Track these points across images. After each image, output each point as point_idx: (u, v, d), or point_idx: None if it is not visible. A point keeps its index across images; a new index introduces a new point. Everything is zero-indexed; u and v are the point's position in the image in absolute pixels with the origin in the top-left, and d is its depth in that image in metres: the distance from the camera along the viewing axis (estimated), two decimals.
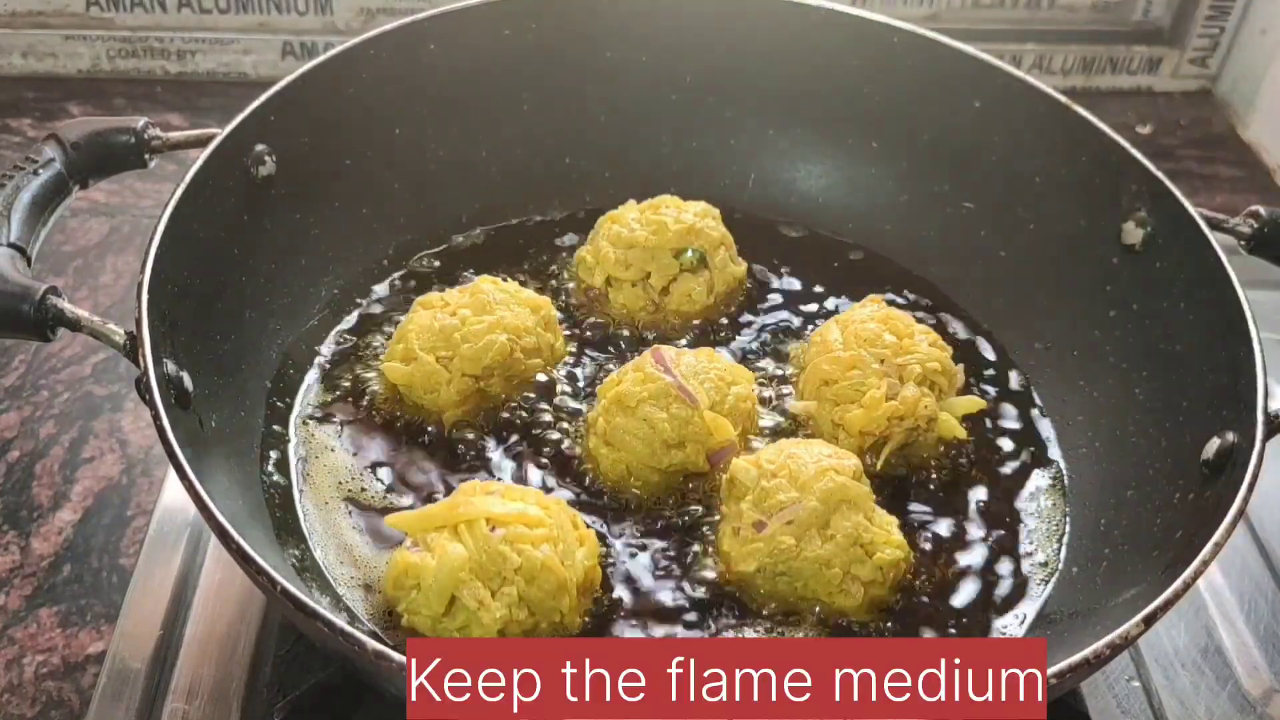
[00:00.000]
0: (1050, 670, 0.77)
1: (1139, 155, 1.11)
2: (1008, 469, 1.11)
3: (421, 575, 0.91)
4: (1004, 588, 1.02)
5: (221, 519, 0.82)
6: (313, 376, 1.15)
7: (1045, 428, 1.15)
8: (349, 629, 0.77)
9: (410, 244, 1.28)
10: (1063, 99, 1.17)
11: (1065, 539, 1.05)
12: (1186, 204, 1.06)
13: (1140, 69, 1.81)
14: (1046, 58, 1.78)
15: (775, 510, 0.97)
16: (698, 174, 1.34)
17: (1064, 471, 1.11)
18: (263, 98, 1.13)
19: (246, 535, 0.83)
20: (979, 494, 1.09)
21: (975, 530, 1.06)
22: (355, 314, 1.22)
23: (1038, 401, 1.17)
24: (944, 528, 1.06)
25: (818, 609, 0.97)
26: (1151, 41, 1.80)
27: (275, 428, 1.10)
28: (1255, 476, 0.86)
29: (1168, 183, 1.08)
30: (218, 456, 0.98)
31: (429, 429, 1.10)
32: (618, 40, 1.31)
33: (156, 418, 0.87)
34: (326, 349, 1.18)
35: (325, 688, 0.96)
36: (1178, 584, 0.81)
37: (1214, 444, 0.94)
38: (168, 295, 0.97)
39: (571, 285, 1.25)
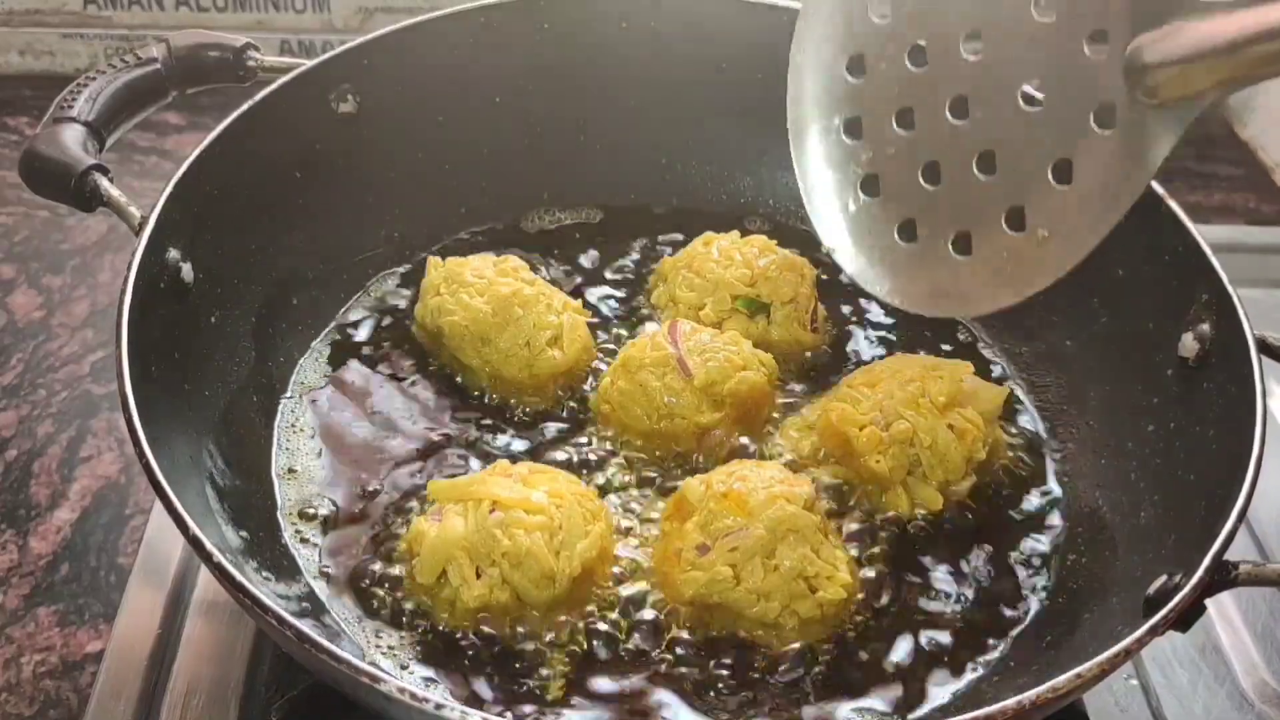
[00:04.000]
0: (1059, 679, 0.78)
1: (1217, 265, 1.04)
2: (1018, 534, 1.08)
3: (422, 544, 0.94)
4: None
5: (161, 478, 0.84)
6: (337, 311, 1.21)
7: (1053, 518, 1.10)
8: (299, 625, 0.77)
9: (480, 210, 1.30)
10: (1159, 189, 1.11)
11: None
12: (1246, 327, 1.00)
13: None
14: None
15: (721, 535, 0.95)
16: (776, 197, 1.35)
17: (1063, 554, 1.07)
18: (360, 40, 1.18)
19: (188, 503, 0.84)
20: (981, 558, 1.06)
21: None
22: (402, 267, 1.26)
23: (1051, 487, 1.12)
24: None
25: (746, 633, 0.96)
26: None
27: (280, 365, 1.14)
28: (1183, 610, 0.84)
29: (1235, 299, 1.01)
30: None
31: (458, 384, 1.14)
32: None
33: (119, 319, 0.91)
34: (363, 293, 1.23)
35: (323, 687, 0.95)
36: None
37: (1160, 581, 0.90)
38: (204, 195, 1.03)
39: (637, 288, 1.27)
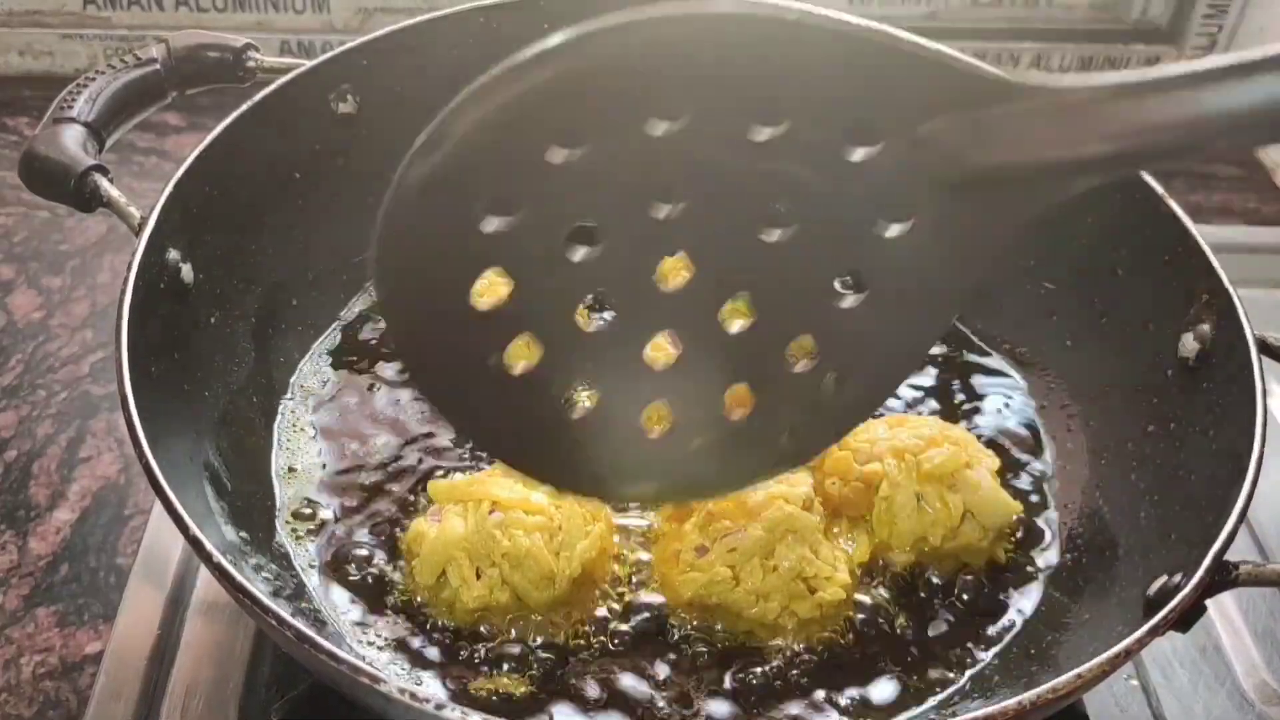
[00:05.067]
0: (1060, 679, 0.78)
1: (1216, 264, 1.03)
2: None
3: (422, 545, 0.95)
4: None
5: (155, 467, 0.84)
6: (337, 311, 1.21)
7: (1053, 518, 1.10)
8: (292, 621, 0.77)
9: None
10: (1159, 189, 1.09)
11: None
12: (1247, 327, 0.99)
13: (1138, 67, 1.80)
14: (1044, 56, 1.78)
15: (719, 536, 0.94)
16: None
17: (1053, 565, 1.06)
18: (359, 40, 1.17)
19: (188, 504, 0.84)
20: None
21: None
22: None
23: (1046, 491, 1.12)
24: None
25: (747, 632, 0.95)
26: (1150, 40, 1.80)
27: (280, 366, 1.14)
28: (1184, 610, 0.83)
29: (1236, 299, 1.00)
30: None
31: None
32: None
33: (120, 311, 0.91)
34: (363, 293, 1.23)
35: (323, 687, 0.95)
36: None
37: (1160, 581, 0.90)
38: (204, 195, 1.03)
39: None
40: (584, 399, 0.76)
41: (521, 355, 0.72)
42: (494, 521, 0.93)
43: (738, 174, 0.68)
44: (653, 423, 0.76)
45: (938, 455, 1.00)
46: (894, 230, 0.69)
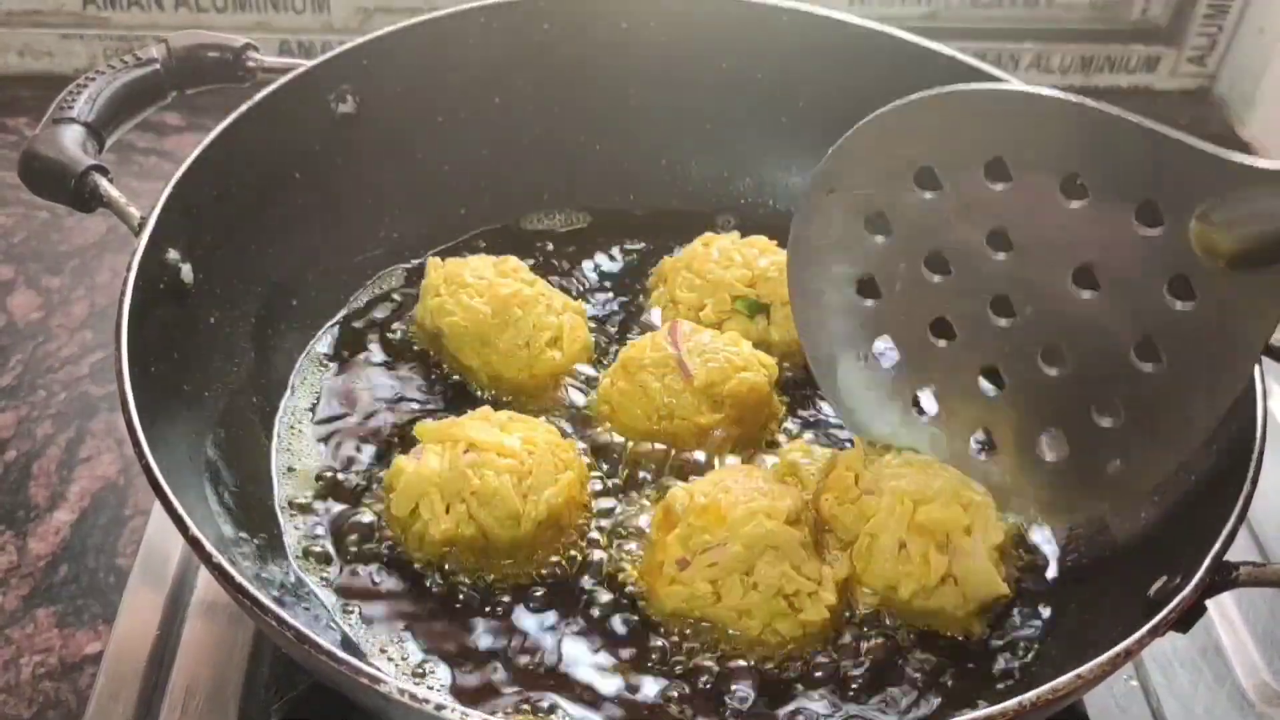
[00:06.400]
0: (1060, 679, 0.78)
1: None
2: None
3: (400, 479, 0.98)
4: None
5: (151, 459, 0.84)
6: (336, 312, 1.21)
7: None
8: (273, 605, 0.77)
9: (480, 211, 1.31)
10: None
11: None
12: None
13: (1138, 68, 1.81)
14: (1045, 56, 1.78)
15: (700, 550, 0.93)
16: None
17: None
18: (359, 40, 1.18)
19: (187, 504, 0.84)
20: None
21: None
22: (402, 268, 1.26)
23: None
24: None
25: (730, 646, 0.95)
26: (1150, 40, 1.80)
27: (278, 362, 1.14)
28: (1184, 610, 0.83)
29: None
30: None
31: (459, 385, 1.15)
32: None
33: (120, 309, 0.92)
34: (362, 293, 1.23)
35: (322, 688, 0.95)
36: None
37: (1160, 581, 0.90)
38: (204, 195, 1.04)
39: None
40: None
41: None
42: (468, 461, 0.97)
43: (1054, 230, 0.86)
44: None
45: (938, 510, 0.95)
46: (1180, 305, 0.83)
